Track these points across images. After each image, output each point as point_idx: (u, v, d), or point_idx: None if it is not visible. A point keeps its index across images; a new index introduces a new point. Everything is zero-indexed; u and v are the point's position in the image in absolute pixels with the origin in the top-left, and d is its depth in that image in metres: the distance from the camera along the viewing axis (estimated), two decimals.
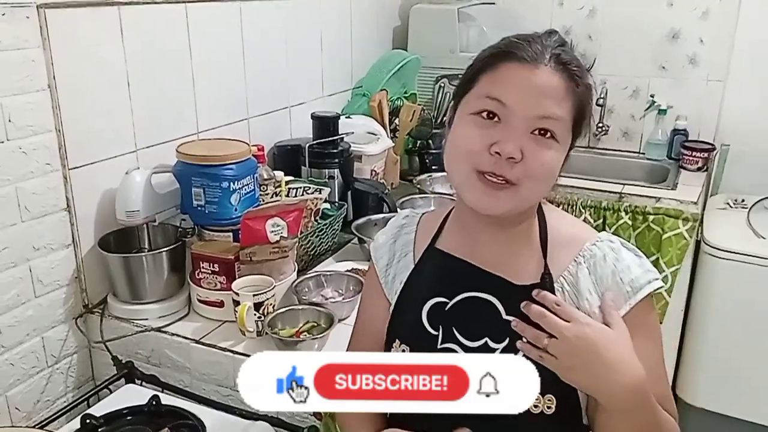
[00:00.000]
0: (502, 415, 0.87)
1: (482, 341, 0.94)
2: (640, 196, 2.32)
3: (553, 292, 0.91)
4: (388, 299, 1.07)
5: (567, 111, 0.88)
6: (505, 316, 0.93)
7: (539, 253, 0.96)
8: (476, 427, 0.93)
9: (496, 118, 0.87)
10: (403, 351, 1.00)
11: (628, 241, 1.01)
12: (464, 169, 0.89)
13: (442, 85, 2.60)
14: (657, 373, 0.94)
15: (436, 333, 0.97)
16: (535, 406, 0.90)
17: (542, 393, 0.87)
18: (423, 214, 1.13)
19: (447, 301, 0.98)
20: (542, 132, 0.87)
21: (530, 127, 0.86)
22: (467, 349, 0.95)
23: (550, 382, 0.87)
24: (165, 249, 1.54)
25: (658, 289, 0.92)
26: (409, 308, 1.02)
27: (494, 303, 0.95)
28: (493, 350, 0.93)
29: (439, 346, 0.97)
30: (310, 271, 1.68)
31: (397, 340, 1.01)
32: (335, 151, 2.02)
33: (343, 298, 1.56)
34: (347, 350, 1.17)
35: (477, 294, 0.96)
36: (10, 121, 1.35)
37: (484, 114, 0.88)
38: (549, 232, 0.97)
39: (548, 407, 0.90)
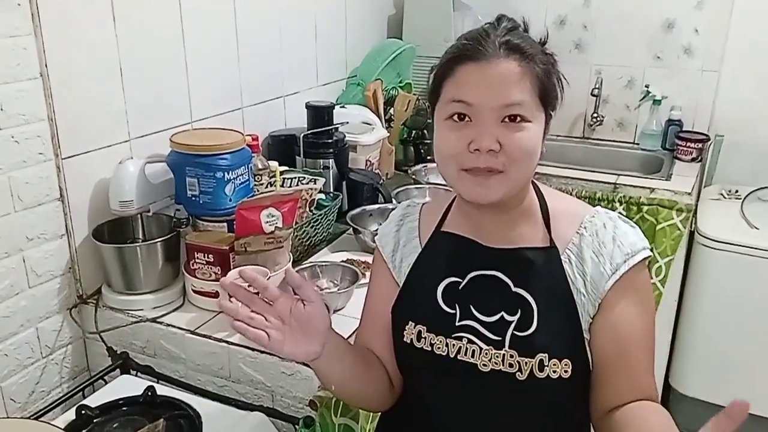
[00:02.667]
0: (523, 381, 0.95)
1: (498, 315, 0.99)
2: (635, 186, 2.33)
3: (559, 262, 0.99)
4: (397, 282, 1.10)
5: (528, 91, 0.93)
6: (513, 289, 0.99)
7: (543, 228, 1.01)
8: (500, 392, 0.98)
9: (467, 119, 0.93)
10: (419, 332, 1.03)
11: None
12: (452, 171, 0.96)
13: None
14: (644, 342, 0.98)
15: (453, 311, 1.02)
16: (554, 372, 0.95)
17: (559, 358, 0.95)
18: (423, 204, 1.16)
19: (460, 280, 1.03)
20: (512, 118, 0.92)
21: (499, 117, 0.92)
22: (485, 324, 0.99)
23: (567, 347, 0.95)
24: (159, 239, 1.53)
25: (649, 257, 0.99)
26: (421, 290, 1.06)
27: (502, 278, 1.00)
28: (509, 322, 0.98)
29: (457, 324, 1.01)
30: (305, 262, 1.68)
31: (411, 322, 1.04)
32: (330, 141, 2.01)
33: (338, 289, 1.56)
34: (357, 335, 1.19)
35: (486, 272, 1.01)
36: (2, 109, 1.33)
37: (455, 117, 0.94)
38: (549, 207, 1.02)
39: (565, 371, 0.95)
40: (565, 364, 0.95)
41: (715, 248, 2.23)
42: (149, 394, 1.26)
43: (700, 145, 2.57)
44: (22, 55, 1.35)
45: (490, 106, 0.91)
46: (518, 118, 0.92)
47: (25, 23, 1.35)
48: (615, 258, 0.96)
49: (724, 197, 2.48)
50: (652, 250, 2.15)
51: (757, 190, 2.43)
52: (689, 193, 2.27)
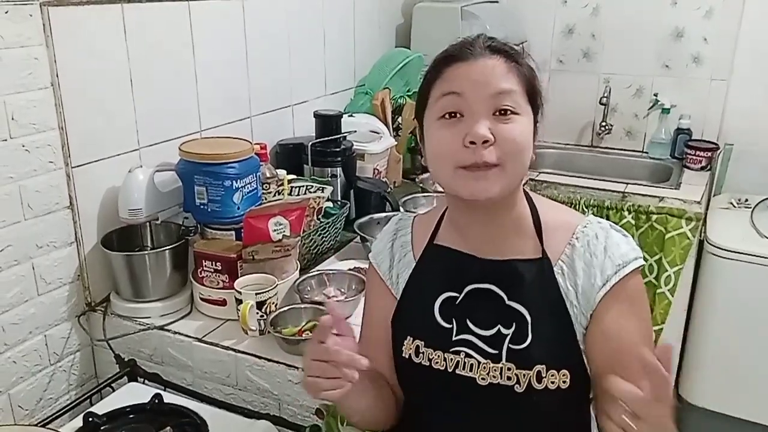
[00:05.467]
0: (522, 393, 0.95)
1: (495, 329, 0.98)
2: (644, 195, 2.32)
3: (552, 274, 0.98)
4: (395, 297, 1.10)
5: (516, 83, 0.94)
6: (508, 302, 0.99)
7: (535, 239, 1.01)
8: (500, 405, 0.98)
9: (458, 115, 0.94)
10: (417, 347, 1.03)
11: None
12: (448, 169, 0.94)
13: None
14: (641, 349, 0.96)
15: (449, 326, 1.01)
16: (552, 383, 0.95)
17: (557, 369, 0.95)
18: (415, 216, 1.16)
19: (457, 294, 1.02)
20: (503, 112, 0.92)
21: (490, 108, 0.92)
22: (482, 338, 0.99)
23: (564, 357, 0.95)
24: (168, 247, 1.54)
25: (642, 265, 0.99)
26: (418, 305, 1.05)
27: (497, 291, 1.00)
28: (505, 336, 0.98)
29: (454, 338, 1.00)
30: (313, 270, 1.68)
31: (409, 337, 1.04)
32: (338, 149, 2.02)
33: (346, 297, 1.56)
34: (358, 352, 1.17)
35: (481, 285, 1.01)
36: (13, 119, 1.34)
37: (447, 115, 0.94)
38: (541, 218, 1.02)
39: (563, 382, 0.95)
40: (563, 375, 0.95)
41: (724, 257, 2.21)
42: (156, 401, 1.26)
43: (709, 154, 2.56)
44: (34, 65, 1.37)
45: (480, 97, 0.92)
46: (508, 111, 0.92)
47: (37, 33, 1.37)
48: (606, 269, 0.96)
49: (734, 206, 2.46)
50: (660, 260, 2.18)
51: (766, 199, 2.42)
52: (698, 202, 2.26)
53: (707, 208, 2.44)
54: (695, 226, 2.16)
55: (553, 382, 0.94)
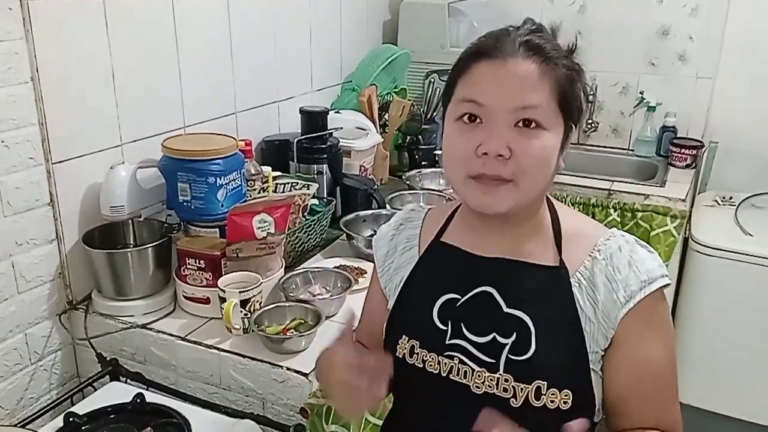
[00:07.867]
0: (517, 408, 0.89)
1: (490, 336, 0.93)
2: (629, 193, 2.33)
3: (569, 285, 0.92)
4: (384, 294, 1.06)
5: (546, 95, 0.86)
6: (506, 309, 0.93)
7: (553, 247, 0.95)
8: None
9: (477, 120, 0.87)
10: (412, 347, 0.98)
11: None
12: (459, 176, 0.89)
13: (432, 80, 2.58)
14: (666, 372, 0.93)
15: (444, 328, 0.96)
16: (551, 401, 0.89)
17: (559, 388, 0.89)
18: (429, 209, 1.11)
19: (459, 297, 0.97)
20: (526, 123, 0.86)
21: (512, 120, 0.85)
22: (476, 345, 0.94)
23: (569, 376, 0.89)
24: (150, 245, 1.52)
25: (668, 284, 0.91)
26: (417, 304, 1.00)
27: (495, 297, 0.94)
28: (503, 345, 0.92)
29: (447, 342, 0.95)
30: (298, 268, 1.67)
31: (404, 336, 0.99)
32: (324, 146, 2.00)
33: (331, 295, 1.55)
34: (355, 334, 1.12)
35: (486, 288, 0.95)
36: None
37: (465, 118, 0.88)
38: (562, 225, 0.96)
39: (564, 402, 0.89)
40: (565, 395, 0.89)
41: (709, 255, 2.23)
42: (138, 401, 1.25)
43: (694, 152, 2.57)
44: (14, 59, 1.35)
45: (502, 108, 0.85)
46: (533, 124, 0.85)
47: (17, 27, 1.35)
48: (630, 285, 0.89)
49: (719, 204, 2.48)
50: None
51: (751, 196, 2.44)
52: (683, 200, 2.27)
53: (692, 206, 2.46)
54: (680, 224, 2.18)
55: (552, 401, 0.88)
